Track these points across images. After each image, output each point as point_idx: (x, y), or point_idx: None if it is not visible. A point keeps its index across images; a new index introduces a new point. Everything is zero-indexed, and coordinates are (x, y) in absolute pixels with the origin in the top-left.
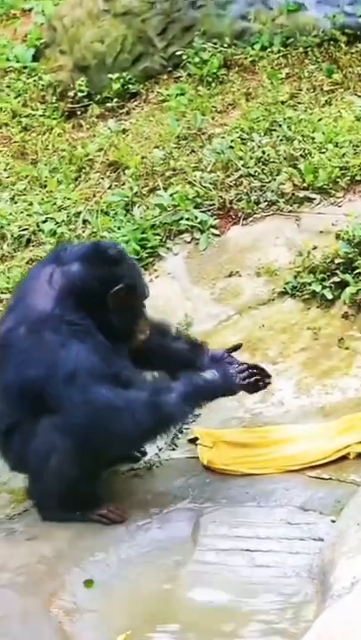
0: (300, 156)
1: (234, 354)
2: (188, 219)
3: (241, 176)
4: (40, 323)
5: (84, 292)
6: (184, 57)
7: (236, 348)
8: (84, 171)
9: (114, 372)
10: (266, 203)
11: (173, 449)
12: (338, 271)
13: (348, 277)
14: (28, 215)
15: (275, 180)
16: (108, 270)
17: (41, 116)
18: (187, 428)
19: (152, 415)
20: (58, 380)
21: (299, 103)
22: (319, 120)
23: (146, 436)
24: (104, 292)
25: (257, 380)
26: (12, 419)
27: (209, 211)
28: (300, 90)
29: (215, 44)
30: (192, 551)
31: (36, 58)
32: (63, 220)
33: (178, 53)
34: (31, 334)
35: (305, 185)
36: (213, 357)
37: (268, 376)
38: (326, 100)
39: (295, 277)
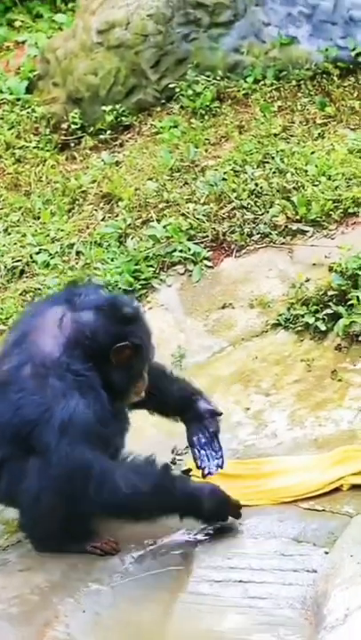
0: (293, 188)
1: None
2: (181, 250)
3: (234, 208)
4: (45, 367)
5: (92, 343)
6: (177, 89)
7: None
8: (77, 202)
9: (106, 434)
10: (259, 235)
11: None
12: (331, 303)
13: (341, 309)
14: (21, 246)
15: (268, 212)
16: (118, 327)
17: (34, 147)
18: (180, 460)
19: (127, 496)
20: (50, 426)
21: (291, 136)
22: (312, 153)
23: (114, 510)
24: (109, 348)
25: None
26: (2, 452)
27: (202, 243)
28: (293, 123)
29: (208, 76)
30: (186, 582)
31: (29, 90)
32: (57, 252)
33: (171, 86)
34: (35, 377)
35: (298, 217)
36: (202, 411)
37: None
38: (319, 133)
39: (288, 309)
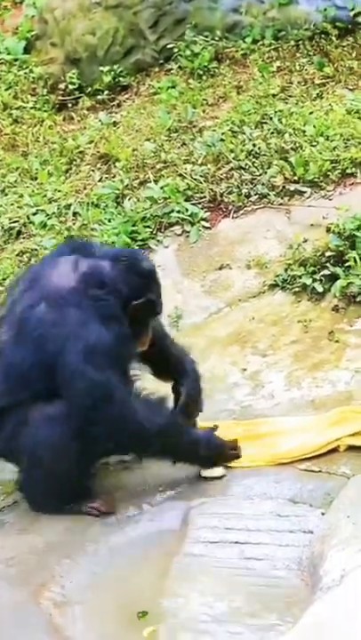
0: (291, 149)
1: None
2: (178, 211)
3: (232, 169)
4: (62, 298)
5: (110, 290)
6: (175, 50)
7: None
8: (74, 163)
9: (125, 359)
10: (256, 196)
11: None
12: (328, 264)
13: (338, 270)
14: (18, 207)
15: (265, 172)
16: (137, 280)
17: (32, 108)
18: None
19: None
20: (75, 353)
21: (290, 96)
22: (310, 113)
23: (130, 438)
24: (127, 300)
25: None
26: (9, 400)
27: (200, 203)
28: (292, 83)
29: (207, 37)
30: (182, 543)
31: (27, 50)
32: (54, 213)
33: (169, 46)
34: (52, 309)
35: (296, 178)
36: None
37: None
38: (317, 94)
39: (286, 270)
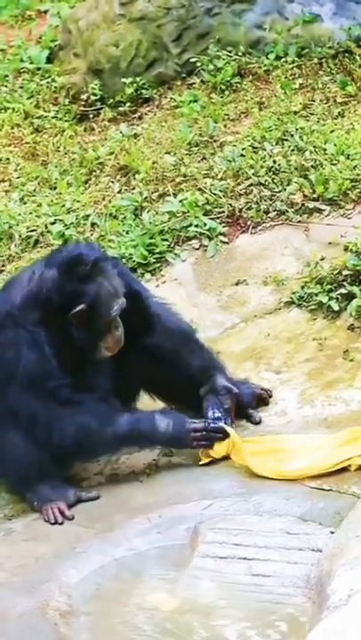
0: (311, 166)
1: None
2: (196, 225)
3: (251, 185)
4: (2, 318)
5: (49, 301)
6: (198, 64)
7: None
8: (94, 174)
9: (53, 385)
10: (275, 212)
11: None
12: (345, 283)
13: (355, 289)
14: (36, 216)
15: (285, 189)
16: (74, 286)
17: (53, 117)
18: None
19: (76, 436)
20: (2, 376)
21: (311, 114)
22: (331, 131)
23: (67, 452)
24: (66, 309)
25: (208, 442)
26: None
27: (218, 218)
28: (314, 101)
29: (230, 52)
30: (190, 558)
31: (50, 60)
32: (72, 223)
33: (192, 60)
34: None
35: (315, 196)
36: (218, 386)
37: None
38: (339, 112)
39: (302, 288)
